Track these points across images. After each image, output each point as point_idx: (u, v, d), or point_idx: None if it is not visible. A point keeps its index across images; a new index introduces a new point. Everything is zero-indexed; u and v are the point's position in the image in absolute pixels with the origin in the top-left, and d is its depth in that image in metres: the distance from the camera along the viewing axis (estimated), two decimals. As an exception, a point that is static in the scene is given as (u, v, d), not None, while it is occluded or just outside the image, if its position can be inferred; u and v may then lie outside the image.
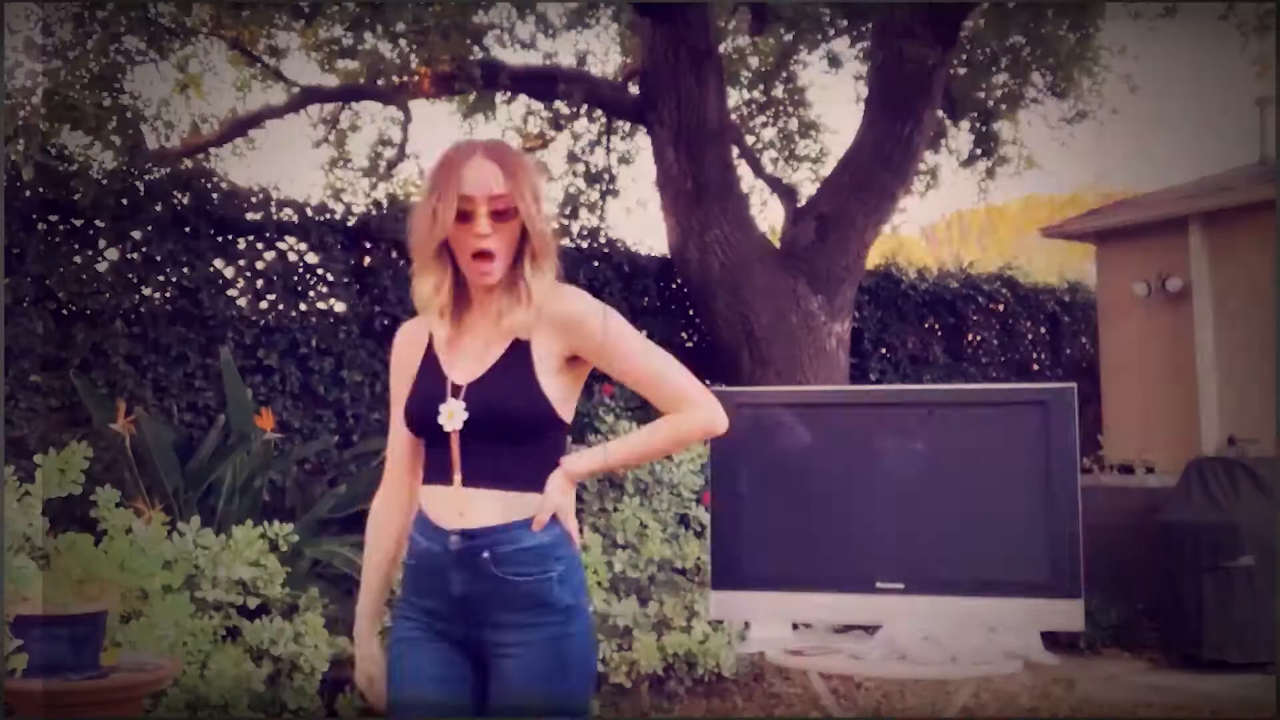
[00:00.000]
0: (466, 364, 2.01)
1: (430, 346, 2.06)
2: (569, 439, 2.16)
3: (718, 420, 2.05)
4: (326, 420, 6.27)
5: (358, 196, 8.50)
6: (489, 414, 1.96)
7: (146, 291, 5.93)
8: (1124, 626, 6.60)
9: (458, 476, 1.99)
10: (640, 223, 20.83)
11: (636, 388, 2.07)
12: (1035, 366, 9.43)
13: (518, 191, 1.94)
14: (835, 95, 33.20)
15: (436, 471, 2.01)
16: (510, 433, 1.97)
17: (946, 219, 23.77)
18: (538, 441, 1.98)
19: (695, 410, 2.03)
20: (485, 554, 1.95)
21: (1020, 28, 7.60)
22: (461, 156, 1.96)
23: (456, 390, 1.99)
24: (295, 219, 6.34)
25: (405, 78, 7.85)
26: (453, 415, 1.98)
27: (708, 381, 2.13)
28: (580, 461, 2.04)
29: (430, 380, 2.02)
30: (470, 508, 1.97)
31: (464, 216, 1.93)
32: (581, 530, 5.10)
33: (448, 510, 1.98)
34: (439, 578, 1.98)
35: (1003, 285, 9.25)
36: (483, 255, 1.94)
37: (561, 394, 1.99)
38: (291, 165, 23.37)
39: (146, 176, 6.04)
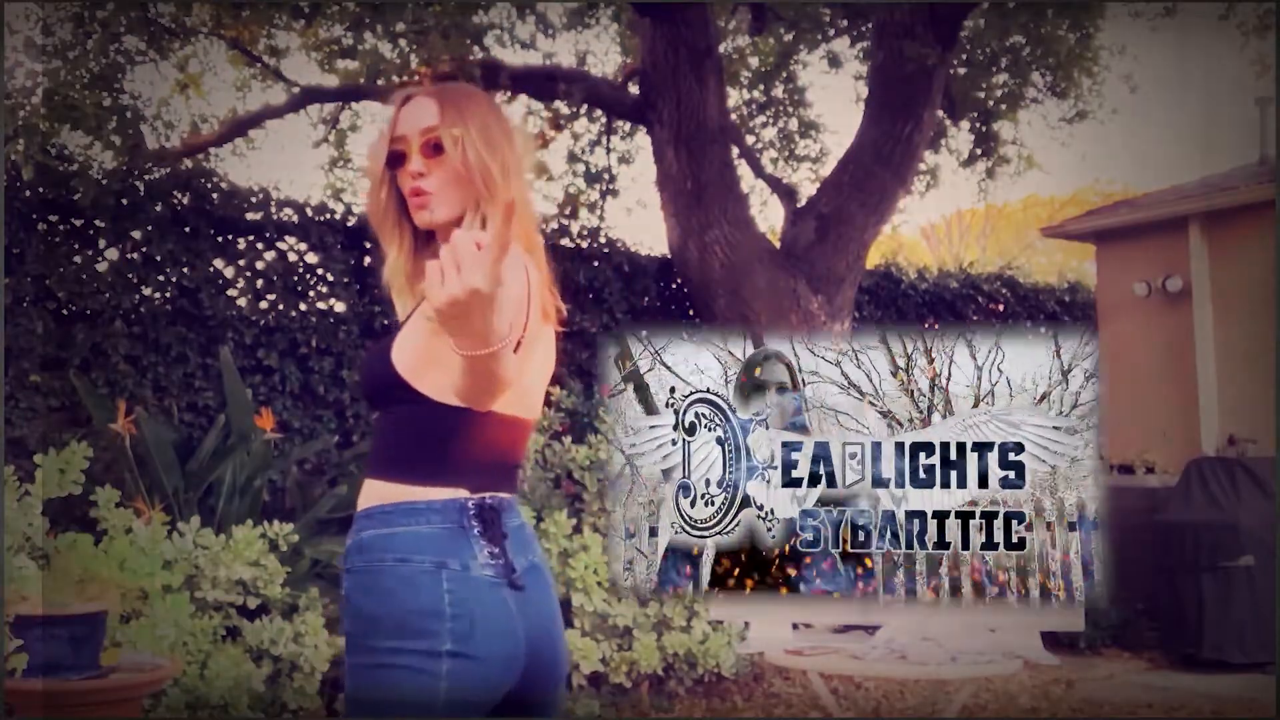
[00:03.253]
0: None
1: None
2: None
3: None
4: (326, 420, 6.27)
5: (358, 196, 8.51)
6: (361, 384, 1.72)
7: (146, 291, 5.93)
8: (1124, 626, 6.60)
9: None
10: (640, 223, 20.76)
11: None
12: (1035, 366, 9.42)
13: (447, 124, 1.66)
14: (835, 95, 33.16)
15: None
16: (374, 406, 1.72)
17: (946, 219, 23.75)
18: (392, 417, 1.65)
19: None
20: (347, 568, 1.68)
21: (1020, 28, 7.59)
22: (402, 99, 1.74)
23: None
24: (295, 219, 6.34)
25: (405, 78, 7.84)
26: None
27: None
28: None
29: None
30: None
31: (402, 159, 1.70)
32: (581, 530, 5.10)
33: None
34: None
35: (1003, 285, 9.25)
36: (417, 192, 1.68)
37: (428, 362, 1.59)
38: (291, 165, 23.44)
39: (146, 176, 6.04)
